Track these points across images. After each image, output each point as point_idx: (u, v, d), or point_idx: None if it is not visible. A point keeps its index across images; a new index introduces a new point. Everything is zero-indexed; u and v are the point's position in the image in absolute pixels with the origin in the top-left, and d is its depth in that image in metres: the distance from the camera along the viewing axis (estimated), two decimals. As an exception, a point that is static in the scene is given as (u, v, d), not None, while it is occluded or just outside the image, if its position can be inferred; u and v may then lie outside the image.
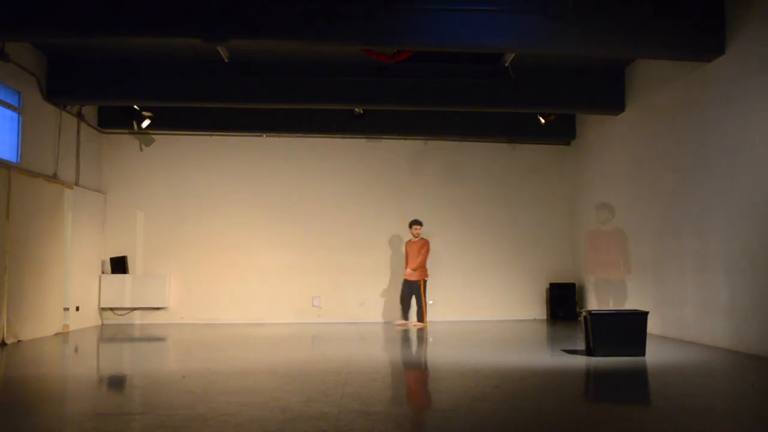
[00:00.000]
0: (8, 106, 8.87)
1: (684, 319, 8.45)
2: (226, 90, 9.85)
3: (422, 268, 11.11)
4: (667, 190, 8.99)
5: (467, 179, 12.46)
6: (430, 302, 12.10)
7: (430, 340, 9.37)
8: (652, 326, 7.68)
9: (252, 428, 4.06)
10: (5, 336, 8.36)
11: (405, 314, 11.19)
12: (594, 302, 11.33)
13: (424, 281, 11.13)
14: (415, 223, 11.29)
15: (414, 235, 11.28)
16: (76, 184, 10.67)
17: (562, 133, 12.30)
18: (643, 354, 6.96)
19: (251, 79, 9.78)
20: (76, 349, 8.57)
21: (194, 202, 12.01)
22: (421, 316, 11.00)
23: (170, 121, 11.33)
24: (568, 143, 12.71)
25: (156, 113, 10.76)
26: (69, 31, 7.49)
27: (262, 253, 12.02)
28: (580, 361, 6.86)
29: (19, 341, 8.58)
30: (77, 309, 10.52)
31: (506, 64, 9.26)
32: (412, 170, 12.44)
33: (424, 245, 11.19)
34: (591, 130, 11.74)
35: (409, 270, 11.11)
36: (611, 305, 10.20)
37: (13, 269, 8.54)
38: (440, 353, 7.84)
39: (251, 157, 12.19)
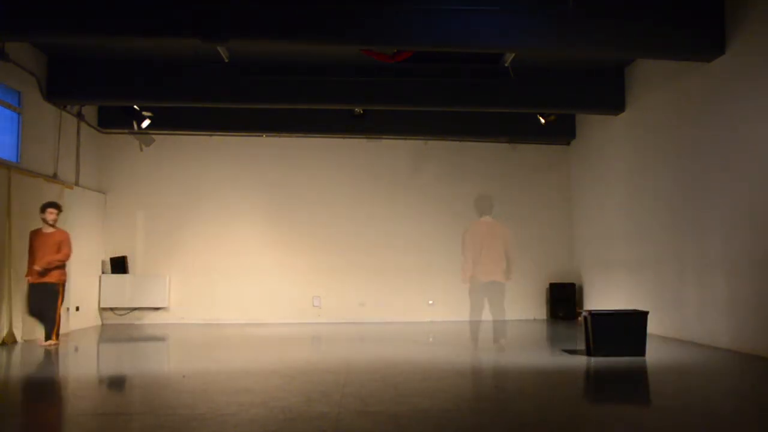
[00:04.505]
0: (8, 106, 8.87)
1: (684, 319, 8.45)
2: (226, 90, 9.85)
3: (62, 268, 8.52)
4: (667, 189, 8.99)
5: (467, 179, 12.44)
6: (430, 302, 12.10)
7: (430, 339, 9.37)
8: (652, 326, 7.68)
9: (252, 428, 4.06)
10: (6, 336, 8.37)
11: (49, 328, 8.37)
12: (593, 302, 11.35)
13: (63, 286, 8.54)
14: (50, 206, 8.55)
15: (48, 223, 8.50)
16: (76, 184, 10.67)
17: (562, 133, 12.30)
18: (643, 354, 6.96)
19: (251, 79, 9.78)
20: (76, 349, 8.56)
21: (194, 202, 12.02)
22: (51, 331, 8.31)
23: (170, 121, 11.32)
24: (568, 143, 12.71)
25: (156, 113, 10.76)
26: (69, 31, 7.48)
27: (262, 252, 12.02)
28: (580, 361, 6.86)
29: (19, 341, 8.58)
30: (77, 309, 10.52)
31: (506, 64, 9.26)
32: (412, 170, 12.45)
33: (67, 238, 8.58)
34: (591, 130, 11.74)
35: (38, 269, 8.25)
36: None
37: (14, 269, 8.54)
38: (440, 353, 7.83)
39: (251, 157, 12.19)
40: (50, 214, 8.47)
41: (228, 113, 11.27)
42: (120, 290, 11.47)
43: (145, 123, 10.72)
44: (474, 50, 8.82)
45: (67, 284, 8.70)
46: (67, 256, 8.51)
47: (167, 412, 4.52)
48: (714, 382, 6.00)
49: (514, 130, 11.96)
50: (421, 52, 9.04)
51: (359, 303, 12.02)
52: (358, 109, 11.26)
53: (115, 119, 11.25)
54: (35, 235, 8.47)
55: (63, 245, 8.45)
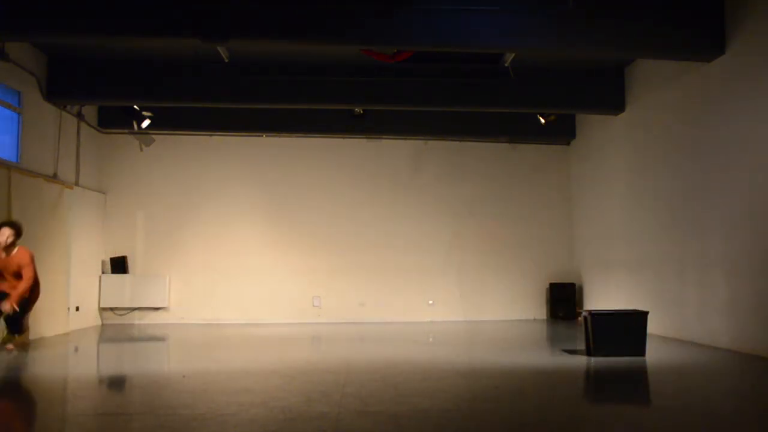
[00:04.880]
0: (8, 106, 8.86)
1: (684, 319, 8.45)
2: (226, 90, 9.85)
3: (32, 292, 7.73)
4: (667, 189, 8.99)
5: (467, 179, 12.45)
6: (430, 302, 12.11)
7: (430, 339, 9.37)
8: (652, 326, 7.68)
9: (252, 428, 4.06)
10: (6, 337, 8.34)
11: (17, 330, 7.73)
12: (593, 302, 11.35)
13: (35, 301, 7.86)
14: (2, 226, 7.56)
15: (3, 244, 7.52)
16: (76, 184, 10.67)
17: (562, 133, 12.30)
18: (643, 354, 6.96)
19: (251, 79, 9.78)
20: (76, 349, 8.56)
21: (194, 202, 12.01)
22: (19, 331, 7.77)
23: (170, 121, 11.32)
24: (568, 143, 12.71)
25: (156, 113, 10.75)
26: (69, 31, 7.48)
27: (262, 252, 12.02)
28: (580, 361, 6.86)
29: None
30: (77, 309, 10.52)
31: (506, 64, 9.26)
32: (412, 170, 12.45)
33: (28, 259, 7.57)
34: (591, 130, 11.74)
35: (8, 308, 7.42)
36: None
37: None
38: (440, 353, 7.83)
39: (251, 157, 12.19)
40: (1, 236, 7.45)
41: (228, 113, 11.27)
42: (120, 290, 11.47)
43: (145, 123, 10.71)
44: (474, 50, 8.82)
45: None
46: (32, 279, 7.54)
47: (167, 412, 4.52)
48: (714, 382, 6.00)
49: (514, 130, 11.95)
50: (421, 52, 9.04)
51: (359, 303, 12.02)
52: (358, 109, 11.26)
53: (115, 119, 11.24)
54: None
55: (25, 269, 7.48)
